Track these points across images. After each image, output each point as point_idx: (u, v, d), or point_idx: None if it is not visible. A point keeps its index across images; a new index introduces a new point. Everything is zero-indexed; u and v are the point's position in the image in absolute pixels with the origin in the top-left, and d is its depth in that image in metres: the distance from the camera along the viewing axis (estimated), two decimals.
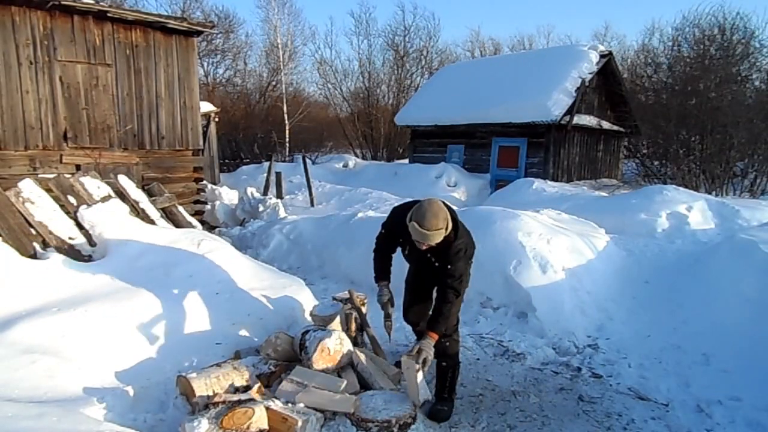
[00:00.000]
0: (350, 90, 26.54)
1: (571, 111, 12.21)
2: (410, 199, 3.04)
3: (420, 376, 2.69)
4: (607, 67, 13.69)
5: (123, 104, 7.68)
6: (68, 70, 7.09)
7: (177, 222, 5.81)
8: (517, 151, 13.28)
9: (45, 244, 4.14)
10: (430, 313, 2.90)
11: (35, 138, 6.92)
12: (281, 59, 22.32)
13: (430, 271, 2.81)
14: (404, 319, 3.29)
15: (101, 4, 7.48)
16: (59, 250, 4.05)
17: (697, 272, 4.71)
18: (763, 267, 3.98)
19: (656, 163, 13.43)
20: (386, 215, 3.08)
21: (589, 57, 13.28)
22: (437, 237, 2.55)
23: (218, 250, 4.12)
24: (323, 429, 2.61)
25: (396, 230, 2.85)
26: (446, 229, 2.57)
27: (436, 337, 2.71)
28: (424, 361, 2.65)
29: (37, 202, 4.30)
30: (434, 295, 3.00)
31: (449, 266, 2.68)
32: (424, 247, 2.64)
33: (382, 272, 3.09)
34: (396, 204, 3.05)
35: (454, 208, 3.16)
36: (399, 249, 3.07)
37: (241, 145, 20.94)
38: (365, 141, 24.90)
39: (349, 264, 5.57)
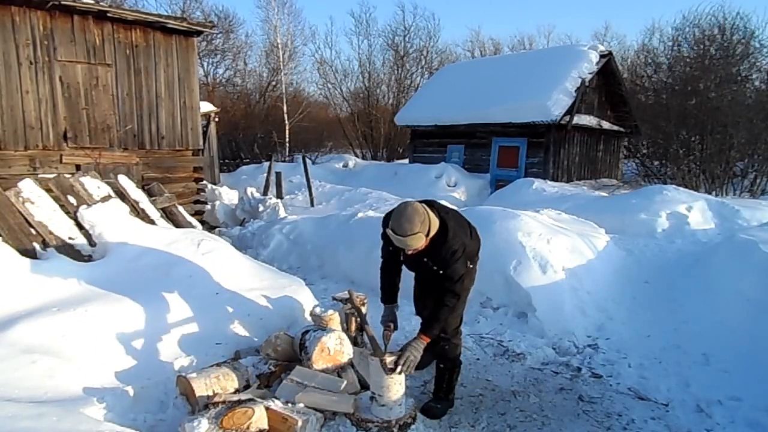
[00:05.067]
0: (350, 90, 26.59)
1: (571, 111, 12.21)
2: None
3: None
4: (607, 67, 13.70)
5: (123, 104, 7.68)
6: (68, 70, 7.09)
7: (177, 222, 5.80)
8: (517, 151, 13.28)
9: (45, 244, 4.13)
10: (429, 314, 2.83)
11: (35, 138, 6.91)
12: (281, 59, 22.33)
13: (431, 274, 2.73)
14: (415, 310, 3.28)
15: (101, 4, 7.48)
16: (59, 250, 4.05)
17: (697, 272, 4.71)
18: (763, 267, 3.98)
19: (656, 163, 13.42)
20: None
21: (589, 57, 13.28)
22: (416, 242, 2.43)
23: (218, 250, 4.12)
24: (323, 429, 2.61)
25: (387, 239, 2.74)
26: (426, 232, 2.45)
27: (427, 340, 2.63)
28: (406, 362, 2.56)
29: (37, 202, 4.30)
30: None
31: (447, 269, 2.59)
32: (410, 252, 2.55)
33: (389, 294, 2.95)
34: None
35: (451, 206, 3.12)
36: None
37: (241, 145, 20.95)
38: (365, 141, 24.90)
39: (349, 264, 5.57)
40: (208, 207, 9.02)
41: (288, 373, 2.87)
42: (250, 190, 9.48)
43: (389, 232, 2.47)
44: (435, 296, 2.77)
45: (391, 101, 25.63)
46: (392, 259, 2.91)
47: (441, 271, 2.63)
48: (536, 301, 4.19)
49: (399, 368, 2.56)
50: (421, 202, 2.64)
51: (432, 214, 2.53)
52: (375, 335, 3.45)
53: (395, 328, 2.93)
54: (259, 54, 31.72)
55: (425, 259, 2.65)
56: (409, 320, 4.03)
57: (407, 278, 3.19)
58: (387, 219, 2.73)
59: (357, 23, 33.32)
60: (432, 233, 2.51)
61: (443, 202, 2.99)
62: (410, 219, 2.41)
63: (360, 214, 6.35)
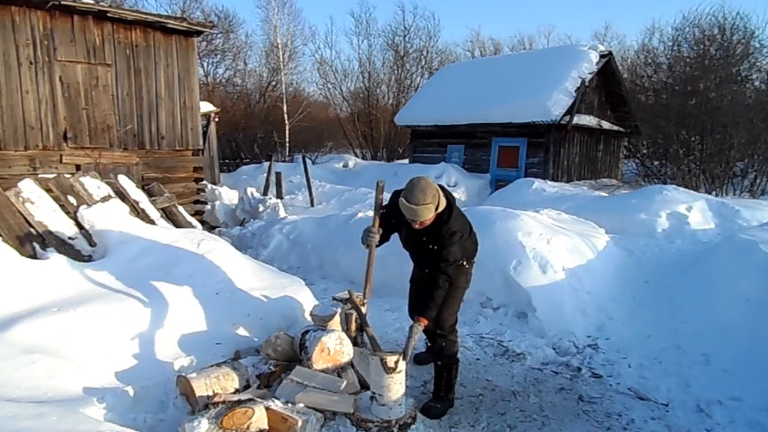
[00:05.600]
0: (350, 90, 26.58)
1: (571, 111, 12.21)
2: None
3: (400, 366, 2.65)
4: (607, 67, 13.69)
5: (123, 104, 7.68)
6: (68, 70, 7.09)
7: (177, 222, 5.80)
8: (517, 151, 13.28)
9: (45, 244, 4.14)
10: (421, 297, 2.86)
11: (35, 138, 6.91)
12: (281, 59, 22.32)
13: (430, 261, 2.78)
14: (409, 314, 3.28)
15: (101, 4, 7.48)
16: (59, 250, 4.05)
17: (697, 272, 4.71)
18: (763, 267, 3.98)
19: (656, 163, 13.43)
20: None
21: (589, 57, 13.27)
22: (425, 212, 2.57)
23: (218, 250, 4.12)
24: (323, 429, 2.61)
25: (395, 211, 2.83)
26: (436, 205, 2.60)
27: (425, 321, 2.72)
28: (407, 347, 2.65)
29: (37, 202, 4.30)
30: None
31: (443, 249, 2.68)
32: (417, 226, 2.67)
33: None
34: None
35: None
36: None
37: (241, 145, 20.93)
38: (365, 141, 24.90)
39: (349, 264, 5.56)
40: (208, 207, 9.02)
41: (288, 373, 2.87)
42: (250, 190, 9.48)
43: (402, 200, 2.60)
44: (426, 278, 2.84)
45: (391, 101, 25.62)
46: (388, 226, 2.99)
47: (436, 251, 2.72)
48: (536, 301, 4.19)
49: (401, 364, 2.62)
50: None
51: (440, 191, 2.69)
52: (375, 335, 3.45)
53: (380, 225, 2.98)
54: (259, 54, 31.74)
55: (424, 239, 2.76)
56: (409, 321, 4.03)
57: (405, 281, 3.20)
58: (397, 193, 2.83)
59: (357, 23, 33.36)
60: (440, 209, 2.65)
61: None
62: (423, 190, 2.58)
63: (360, 214, 6.35)
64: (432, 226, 2.69)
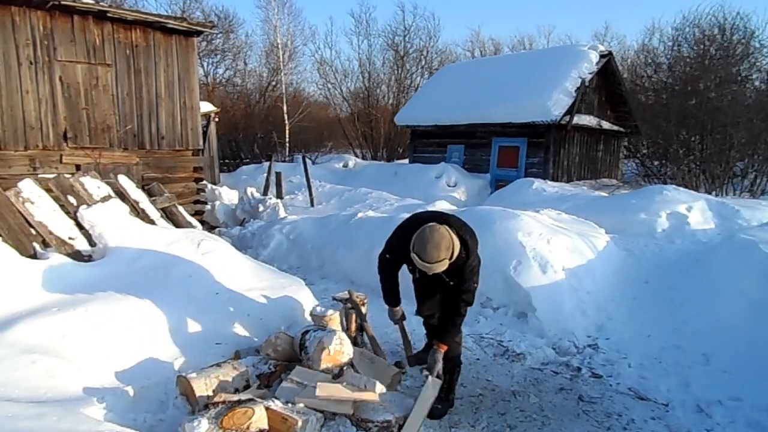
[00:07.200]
0: (350, 90, 26.56)
1: (571, 111, 12.21)
2: (420, 211, 2.94)
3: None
4: (607, 67, 13.69)
5: (123, 104, 7.68)
6: (68, 70, 7.09)
7: (177, 222, 5.81)
8: (517, 151, 13.28)
9: (45, 244, 4.14)
10: (441, 324, 2.90)
11: (35, 138, 6.91)
12: (281, 59, 22.31)
13: (443, 285, 2.75)
14: (417, 313, 3.27)
15: (101, 4, 7.48)
16: (59, 250, 4.06)
17: (697, 272, 4.71)
18: (763, 267, 3.98)
19: (656, 163, 13.44)
20: (386, 215, 3.06)
21: (589, 57, 13.27)
22: (440, 267, 2.45)
23: (218, 250, 4.12)
24: (323, 429, 2.61)
25: (401, 254, 2.71)
26: (451, 256, 2.47)
27: (445, 348, 2.73)
28: (436, 371, 2.70)
29: (37, 202, 4.30)
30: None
31: (464, 283, 2.65)
32: (431, 273, 2.56)
33: (392, 297, 3.02)
34: (400, 218, 2.89)
35: (461, 215, 3.12)
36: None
37: (241, 145, 20.92)
38: (365, 141, 24.89)
39: (349, 264, 5.57)
40: (208, 207, 9.01)
41: (288, 373, 2.87)
42: (250, 190, 9.47)
43: (414, 257, 2.47)
44: (443, 303, 2.85)
45: (391, 101, 25.61)
46: (396, 270, 2.95)
47: (457, 285, 2.68)
48: (536, 301, 4.19)
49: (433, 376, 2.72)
50: (434, 215, 2.67)
51: (454, 237, 2.51)
52: (375, 335, 3.45)
53: (404, 318, 3.13)
54: (259, 54, 31.77)
55: (442, 274, 2.63)
56: (410, 320, 4.03)
57: (406, 279, 3.19)
58: (403, 235, 2.67)
59: (357, 23, 33.33)
60: (454, 257, 2.51)
61: (443, 203, 3.00)
62: (437, 246, 2.42)
63: (360, 214, 6.35)
64: (450, 267, 2.54)
